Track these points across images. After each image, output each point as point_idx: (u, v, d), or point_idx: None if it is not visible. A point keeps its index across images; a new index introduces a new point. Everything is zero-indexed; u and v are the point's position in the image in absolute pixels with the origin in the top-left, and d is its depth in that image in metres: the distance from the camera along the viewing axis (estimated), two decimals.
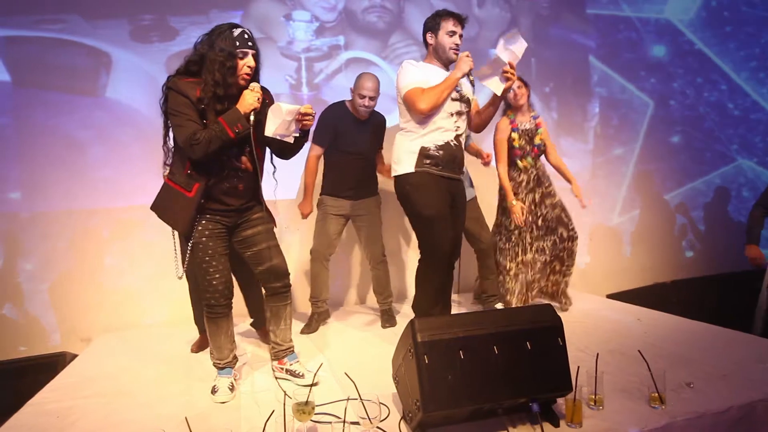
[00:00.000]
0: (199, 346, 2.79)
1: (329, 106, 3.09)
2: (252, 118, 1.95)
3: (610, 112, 4.58)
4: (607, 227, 4.56)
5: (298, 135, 2.06)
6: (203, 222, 2.04)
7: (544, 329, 1.76)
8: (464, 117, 2.52)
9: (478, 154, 3.30)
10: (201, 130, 1.90)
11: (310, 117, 2.04)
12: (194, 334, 2.88)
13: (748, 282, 3.43)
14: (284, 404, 1.63)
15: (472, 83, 2.51)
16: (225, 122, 1.90)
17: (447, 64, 2.49)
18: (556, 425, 1.76)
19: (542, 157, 3.17)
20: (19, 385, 2.59)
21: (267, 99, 2.06)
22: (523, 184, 3.07)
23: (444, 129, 2.43)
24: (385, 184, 3.17)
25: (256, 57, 1.98)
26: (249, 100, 1.94)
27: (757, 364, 2.23)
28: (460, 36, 2.47)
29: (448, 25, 2.43)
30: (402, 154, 2.45)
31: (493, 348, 1.69)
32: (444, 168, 2.44)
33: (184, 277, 2.81)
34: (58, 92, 3.25)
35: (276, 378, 2.27)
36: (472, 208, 3.14)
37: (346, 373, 1.80)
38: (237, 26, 1.95)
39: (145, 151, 3.33)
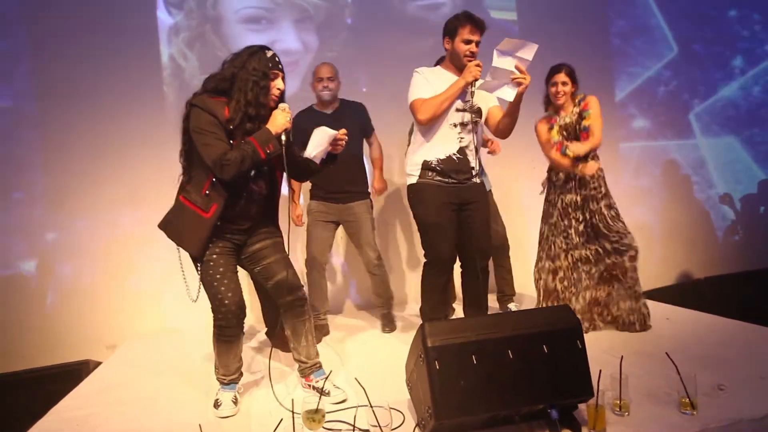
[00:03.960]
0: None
1: (297, 114, 2.90)
2: (284, 138, 1.92)
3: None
4: (634, 221, 4.39)
5: (324, 158, 2.10)
6: (213, 239, 1.98)
7: (562, 332, 1.68)
8: (470, 128, 2.46)
9: (484, 143, 3.11)
10: (230, 150, 1.86)
11: (342, 143, 2.06)
12: None
13: None
14: (293, 412, 1.60)
15: (472, 95, 2.40)
16: (257, 142, 1.86)
17: (462, 71, 2.42)
18: None
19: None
20: (44, 392, 2.65)
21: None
22: (559, 183, 2.83)
23: (446, 141, 2.45)
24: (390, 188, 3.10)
25: (284, 80, 1.99)
26: (280, 120, 1.91)
27: None
28: (477, 43, 2.41)
29: (465, 32, 2.38)
30: (409, 166, 2.55)
31: (508, 352, 1.62)
32: (448, 177, 2.46)
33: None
34: (82, 99, 3.32)
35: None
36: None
37: (356, 378, 1.76)
38: (268, 48, 1.96)
39: (169, 156, 3.37)
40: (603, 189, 2.77)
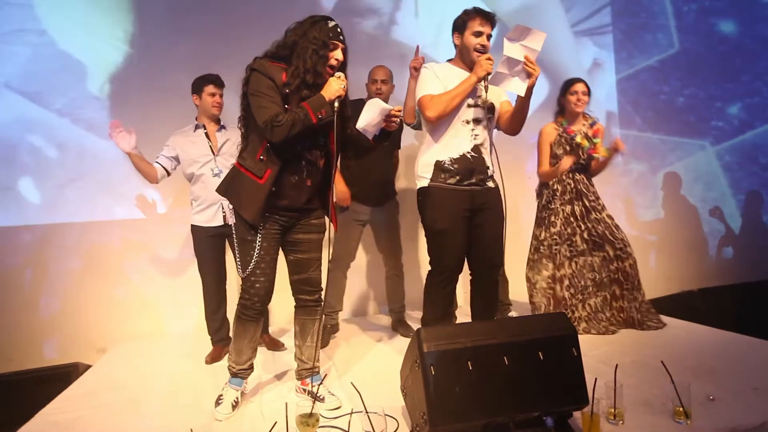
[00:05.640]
0: (213, 358, 2.75)
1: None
2: (336, 105, 1.91)
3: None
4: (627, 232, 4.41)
5: (377, 134, 2.05)
6: (266, 214, 1.98)
7: (558, 339, 1.68)
8: (484, 124, 2.37)
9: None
10: (283, 113, 1.87)
11: (397, 120, 2.03)
12: (210, 345, 2.86)
13: None
14: (286, 416, 1.58)
15: (486, 89, 2.32)
16: (309, 107, 1.86)
17: (472, 67, 2.33)
18: None
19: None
20: (33, 395, 2.61)
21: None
22: (558, 193, 2.91)
23: (459, 138, 2.33)
24: (405, 190, 3.07)
25: (345, 52, 1.98)
26: (335, 86, 1.90)
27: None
28: (489, 36, 2.32)
29: (475, 25, 2.30)
30: (420, 167, 2.41)
31: (503, 359, 1.62)
32: (462, 179, 2.33)
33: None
34: (70, 103, 3.29)
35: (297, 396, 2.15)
36: None
37: (351, 383, 1.75)
38: (331, 19, 1.95)
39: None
40: (601, 201, 2.96)
